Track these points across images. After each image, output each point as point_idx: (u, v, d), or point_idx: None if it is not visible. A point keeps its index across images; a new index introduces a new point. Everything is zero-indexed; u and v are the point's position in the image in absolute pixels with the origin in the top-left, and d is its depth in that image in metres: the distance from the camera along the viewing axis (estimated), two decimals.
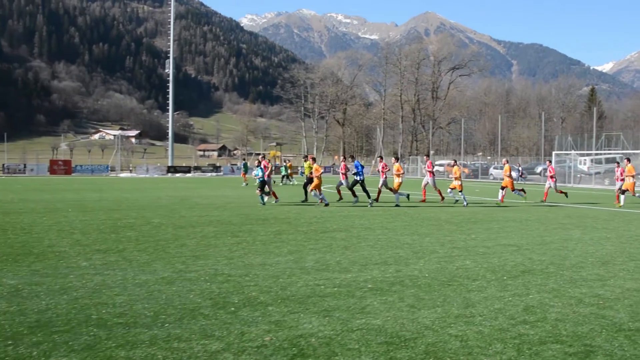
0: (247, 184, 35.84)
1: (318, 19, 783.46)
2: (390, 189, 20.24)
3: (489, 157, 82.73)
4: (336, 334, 5.05)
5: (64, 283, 6.87)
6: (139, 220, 14.18)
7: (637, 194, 21.20)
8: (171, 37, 66.55)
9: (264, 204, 19.56)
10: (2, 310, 5.65)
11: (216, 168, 66.72)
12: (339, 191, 21.00)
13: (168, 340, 4.79)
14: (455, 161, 22.18)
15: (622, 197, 21.06)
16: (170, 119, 66.66)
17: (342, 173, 20.38)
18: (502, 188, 21.53)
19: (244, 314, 5.62)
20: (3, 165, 56.74)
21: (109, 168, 60.76)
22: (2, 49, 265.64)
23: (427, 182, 21.78)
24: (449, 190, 21.04)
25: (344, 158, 21.66)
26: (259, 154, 20.59)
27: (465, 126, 68.59)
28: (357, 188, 20.12)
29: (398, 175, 20.16)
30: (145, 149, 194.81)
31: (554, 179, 22.93)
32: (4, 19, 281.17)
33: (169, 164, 66.83)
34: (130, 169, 69.74)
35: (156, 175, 55.63)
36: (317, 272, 7.77)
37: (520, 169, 43.40)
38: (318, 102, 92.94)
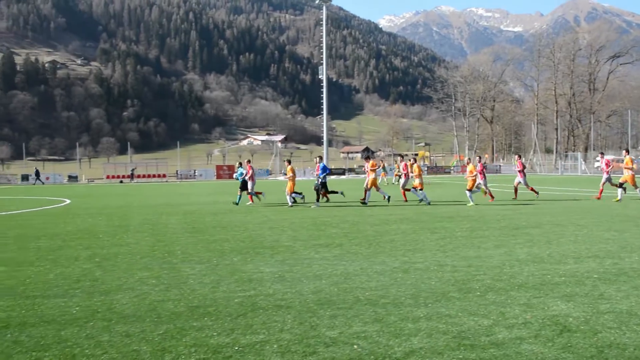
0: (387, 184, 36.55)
1: (457, 14, 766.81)
2: (408, 190, 20.83)
3: None
4: (589, 315, 5.56)
5: (313, 271, 7.96)
6: (334, 218, 15.38)
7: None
8: (324, 49, 68.61)
9: (237, 204, 20.66)
10: (282, 290, 6.78)
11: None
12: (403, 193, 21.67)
13: (440, 317, 5.57)
14: (415, 159, 21.87)
15: (619, 190, 19.69)
16: (324, 123, 68.94)
17: (404, 174, 21.69)
18: None
19: (492, 297, 6.29)
20: (177, 171, 62.54)
21: (268, 172, 64.37)
22: (161, 65, 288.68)
23: (520, 182, 21.46)
24: (412, 189, 20.38)
25: (401, 158, 22.21)
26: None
27: (629, 118, 64.27)
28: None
29: (419, 176, 19.95)
30: (291, 153, 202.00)
31: (523, 174, 21.57)
32: (163, 37, 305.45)
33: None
34: (284, 172, 73.04)
35: (312, 178, 57.81)
36: (534, 263, 8.26)
37: None
38: (469, 100, 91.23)
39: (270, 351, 4.66)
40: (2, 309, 6.12)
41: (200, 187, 41.22)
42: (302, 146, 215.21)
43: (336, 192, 21.18)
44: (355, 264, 8.39)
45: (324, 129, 69.23)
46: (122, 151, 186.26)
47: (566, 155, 68.95)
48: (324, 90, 67.07)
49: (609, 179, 20.82)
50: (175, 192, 34.31)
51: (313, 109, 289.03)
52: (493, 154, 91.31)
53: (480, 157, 23.46)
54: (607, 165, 20.97)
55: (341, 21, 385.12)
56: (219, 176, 60.37)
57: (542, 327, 5.18)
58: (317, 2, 68.95)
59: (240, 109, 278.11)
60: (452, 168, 69.86)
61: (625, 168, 19.94)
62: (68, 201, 23.39)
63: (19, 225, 15.06)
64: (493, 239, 10.80)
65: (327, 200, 21.13)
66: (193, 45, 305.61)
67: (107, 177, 61.16)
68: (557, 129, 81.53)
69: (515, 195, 21.86)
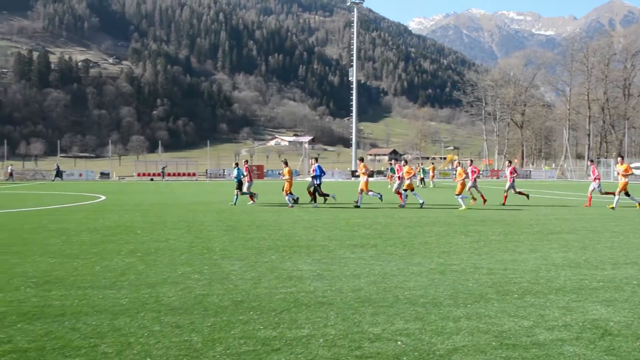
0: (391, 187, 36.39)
1: (488, 17, 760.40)
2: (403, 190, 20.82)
3: None
4: (630, 320, 5.61)
5: (350, 270, 8.10)
6: (365, 219, 15.52)
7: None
8: (354, 51, 68.75)
9: (234, 204, 21.06)
10: (322, 288, 6.94)
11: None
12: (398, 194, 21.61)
13: (480, 317, 5.67)
14: (406, 161, 22.08)
15: (616, 198, 19.73)
16: (353, 125, 69.04)
17: (398, 176, 21.51)
18: None
19: (530, 300, 6.37)
20: (206, 170, 63.27)
21: (297, 172, 64.61)
22: (191, 65, 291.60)
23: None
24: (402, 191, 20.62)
25: (396, 160, 22.20)
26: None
27: None
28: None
29: (409, 177, 20.36)
30: (318, 154, 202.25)
31: (512, 179, 21.96)
32: (193, 37, 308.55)
33: (352, 169, 69.40)
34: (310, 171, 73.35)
35: (340, 180, 58.10)
36: (571, 268, 8.29)
37: None
38: (499, 105, 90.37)
39: (316, 345, 4.82)
40: (56, 298, 6.39)
41: (230, 186, 41.56)
42: (330, 147, 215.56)
43: (327, 195, 21.18)
44: (392, 265, 8.51)
45: (354, 131, 69.29)
46: (151, 149, 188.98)
47: (598, 162, 68.02)
48: (354, 92, 67.14)
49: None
50: (206, 191, 34.76)
51: (341, 111, 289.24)
52: (523, 159, 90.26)
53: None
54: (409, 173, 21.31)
55: (370, 23, 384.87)
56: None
57: (582, 330, 5.25)
58: (348, 3, 69.15)
59: (268, 109, 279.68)
60: (482, 172, 69.36)
61: (622, 175, 19.95)
62: (103, 197, 23.91)
63: (60, 220, 15.48)
64: (527, 243, 10.83)
65: (312, 201, 20.99)
66: (223, 45, 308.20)
67: (138, 174, 62.13)
68: (589, 135, 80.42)
69: (525, 195, 22.34)
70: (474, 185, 21.22)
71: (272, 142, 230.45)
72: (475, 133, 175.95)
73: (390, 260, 8.93)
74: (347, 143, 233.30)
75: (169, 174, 60.90)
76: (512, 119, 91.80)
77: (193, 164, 68.46)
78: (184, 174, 63.64)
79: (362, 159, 21.81)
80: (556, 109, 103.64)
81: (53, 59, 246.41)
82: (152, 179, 58.58)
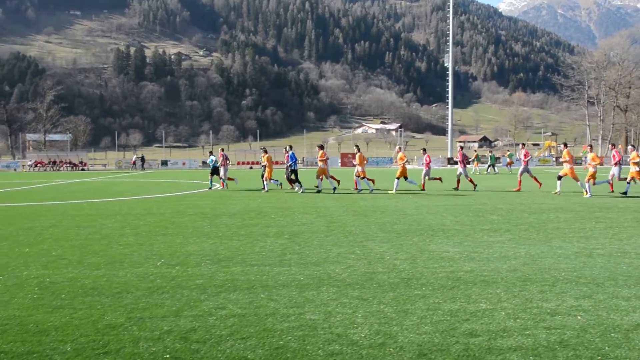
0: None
1: None
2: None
3: None
4: None
5: (496, 252, 8.41)
6: (485, 205, 15.70)
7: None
8: (450, 36, 67.89)
9: (210, 188, 23.70)
10: (479, 268, 7.31)
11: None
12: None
13: (629, 298, 5.88)
14: (400, 148, 23.40)
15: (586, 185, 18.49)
16: (450, 111, 68.26)
17: (425, 164, 22.63)
18: None
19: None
20: (302, 158, 64.67)
21: (392, 160, 64.72)
22: (278, 55, 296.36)
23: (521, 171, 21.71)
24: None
25: (399, 149, 23.11)
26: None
27: None
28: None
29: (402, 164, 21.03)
30: (406, 142, 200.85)
31: (464, 165, 22.59)
32: (280, 27, 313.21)
33: (448, 156, 68.85)
34: (408, 160, 73.31)
35: (436, 167, 57.62)
36: None
37: None
38: (604, 88, 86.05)
39: (500, 317, 5.23)
40: (239, 274, 7.12)
41: (334, 173, 42.31)
42: (417, 135, 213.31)
43: (299, 183, 21.86)
44: (535, 248, 8.75)
45: (450, 117, 68.55)
46: (240, 139, 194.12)
47: None
48: (450, 78, 66.42)
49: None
50: (310, 179, 35.55)
51: (428, 97, 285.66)
52: (627, 144, 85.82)
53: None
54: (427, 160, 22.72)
55: (459, 7, 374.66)
56: (343, 163, 61.74)
57: None
58: None
59: (355, 97, 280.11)
60: (582, 159, 66.69)
61: (633, 163, 19.05)
62: (217, 185, 25.16)
63: (193, 205, 16.61)
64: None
65: (280, 184, 23.10)
66: (309, 34, 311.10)
67: (238, 163, 64.25)
68: None
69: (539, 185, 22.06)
70: (527, 170, 21.40)
71: (359, 130, 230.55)
72: (570, 118, 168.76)
73: (531, 244, 9.16)
74: (435, 130, 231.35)
75: (257, 162, 62.59)
76: (617, 104, 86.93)
77: (282, 152, 70.04)
78: (276, 162, 65.08)
79: (321, 147, 22.70)
80: None
81: (148, 53, 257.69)
82: (251, 167, 60.50)
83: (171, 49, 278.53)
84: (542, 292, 6.09)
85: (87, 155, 72.41)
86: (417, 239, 9.68)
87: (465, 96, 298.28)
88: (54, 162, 63.40)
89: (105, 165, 73.74)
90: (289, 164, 21.88)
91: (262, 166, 22.32)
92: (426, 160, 22.80)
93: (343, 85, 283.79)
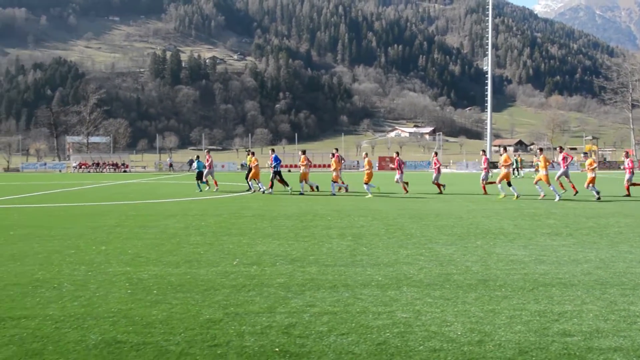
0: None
1: None
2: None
3: None
4: None
5: (564, 256, 8.48)
6: (537, 210, 15.66)
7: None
8: (489, 38, 67.55)
9: (200, 190, 24.42)
10: (552, 271, 7.38)
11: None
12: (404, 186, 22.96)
13: None
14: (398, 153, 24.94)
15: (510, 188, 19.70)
16: (488, 116, 67.86)
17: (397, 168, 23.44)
18: None
19: None
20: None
21: (429, 164, 64.64)
22: (312, 58, 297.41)
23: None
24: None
25: (397, 154, 24.92)
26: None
27: None
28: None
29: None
30: (440, 146, 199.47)
31: (487, 169, 22.49)
32: (313, 31, 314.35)
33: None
34: (445, 165, 72.97)
35: (475, 171, 57.35)
36: None
37: None
38: None
39: (588, 319, 5.31)
40: (316, 273, 7.31)
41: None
42: (451, 139, 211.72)
43: (272, 186, 22.84)
44: (603, 252, 8.77)
45: (488, 122, 68.12)
46: (274, 142, 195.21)
47: None
48: (489, 82, 65.97)
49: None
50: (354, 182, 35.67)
51: (462, 101, 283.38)
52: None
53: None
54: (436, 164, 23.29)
55: (493, 9, 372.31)
56: (380, 167, 61.71)
57: None
58: None
59: (388, 100, 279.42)
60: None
61: (542, 167, 19.35)
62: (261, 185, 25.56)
63: (246, 207, 16.90)
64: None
65: (271, 187, 23.08)
66: (342, 38, 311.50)
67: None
68: None
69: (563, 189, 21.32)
70: (566, 174, 20.73)
71: (393, 134, 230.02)
72: (610, 121, 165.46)
73: (597, 248, 9.17)
74: (469, 134, 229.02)
75: (295, 165, 62.99)
76: None
77: (318, 155, 70.37)
78: (312, 165, 65.44)
79: (304, 152, 23.72)
80: None
81: (183, 57, 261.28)
82: (289, 170, 60.90)
83: (206, 53, 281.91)
84: (624, 296, 6.15)
85: (129, 157, 73.91)
86: (480, 242, 9.76)
87: (500, 99, 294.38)
88: (97, 164, 64.92)
89: (144, 167, 75.08)
90: (272, 166, 23.15)
91: (249, 168, 23.93)
92: (435, 163, 23.31)
93: (376, 89, 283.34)
